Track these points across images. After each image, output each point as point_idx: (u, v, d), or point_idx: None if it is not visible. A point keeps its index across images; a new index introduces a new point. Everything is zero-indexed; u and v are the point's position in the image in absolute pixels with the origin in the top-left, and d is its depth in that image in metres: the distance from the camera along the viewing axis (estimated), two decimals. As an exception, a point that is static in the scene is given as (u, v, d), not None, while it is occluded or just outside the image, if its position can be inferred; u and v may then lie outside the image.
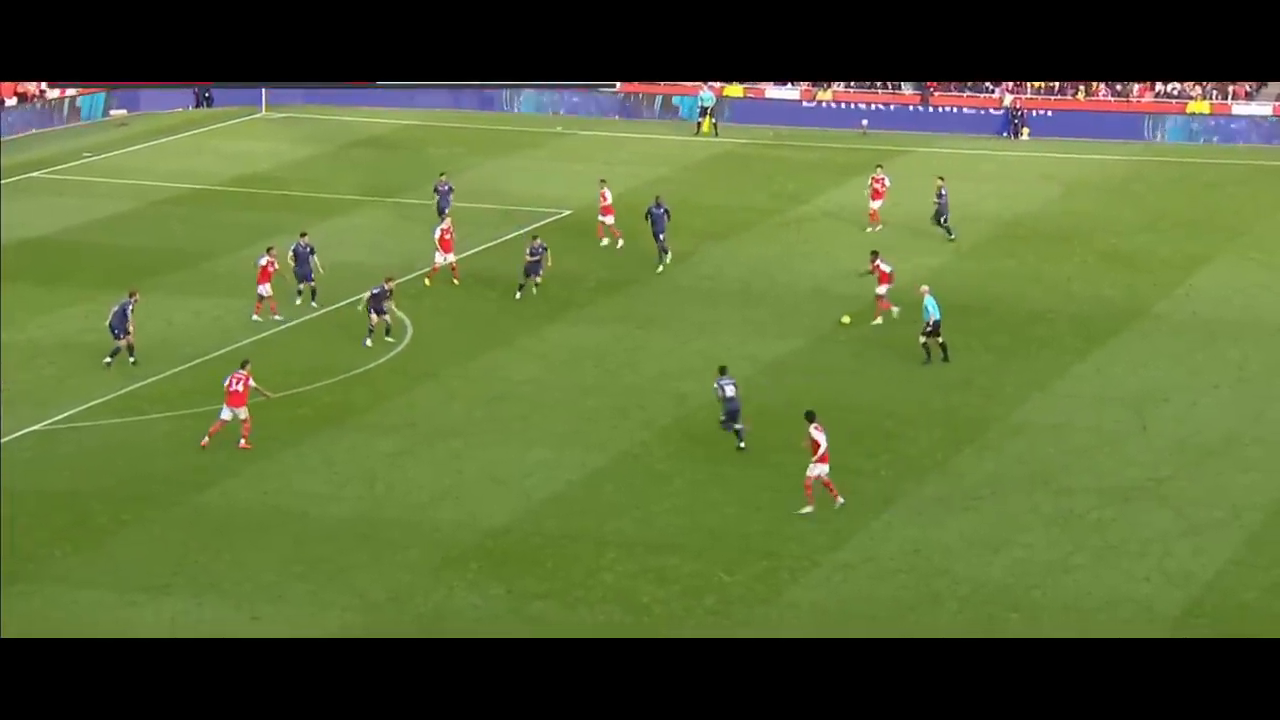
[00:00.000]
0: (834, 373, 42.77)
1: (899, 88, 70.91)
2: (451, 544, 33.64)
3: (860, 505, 35.00)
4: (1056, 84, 68.59)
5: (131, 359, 42.82)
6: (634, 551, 33.19)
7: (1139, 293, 48.77)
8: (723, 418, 37.70)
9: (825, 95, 71.23)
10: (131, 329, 42.71)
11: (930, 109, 70.44)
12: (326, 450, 38.07)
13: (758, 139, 68.54)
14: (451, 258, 49.48)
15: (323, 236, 54.05)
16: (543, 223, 54.86)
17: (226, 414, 37.65)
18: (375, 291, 44.41)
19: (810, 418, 34.69)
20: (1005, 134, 69.22)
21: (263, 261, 46.50)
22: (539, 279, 47.59)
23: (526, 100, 72.87)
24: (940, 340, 42.73)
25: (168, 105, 73.17)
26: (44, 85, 69.59)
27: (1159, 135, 68.52)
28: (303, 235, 48.13)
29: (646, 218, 50.82)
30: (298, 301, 46.94)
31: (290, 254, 47.19)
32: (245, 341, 44.85)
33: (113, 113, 72.64)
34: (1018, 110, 69.25)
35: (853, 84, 69.97)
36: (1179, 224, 56.05)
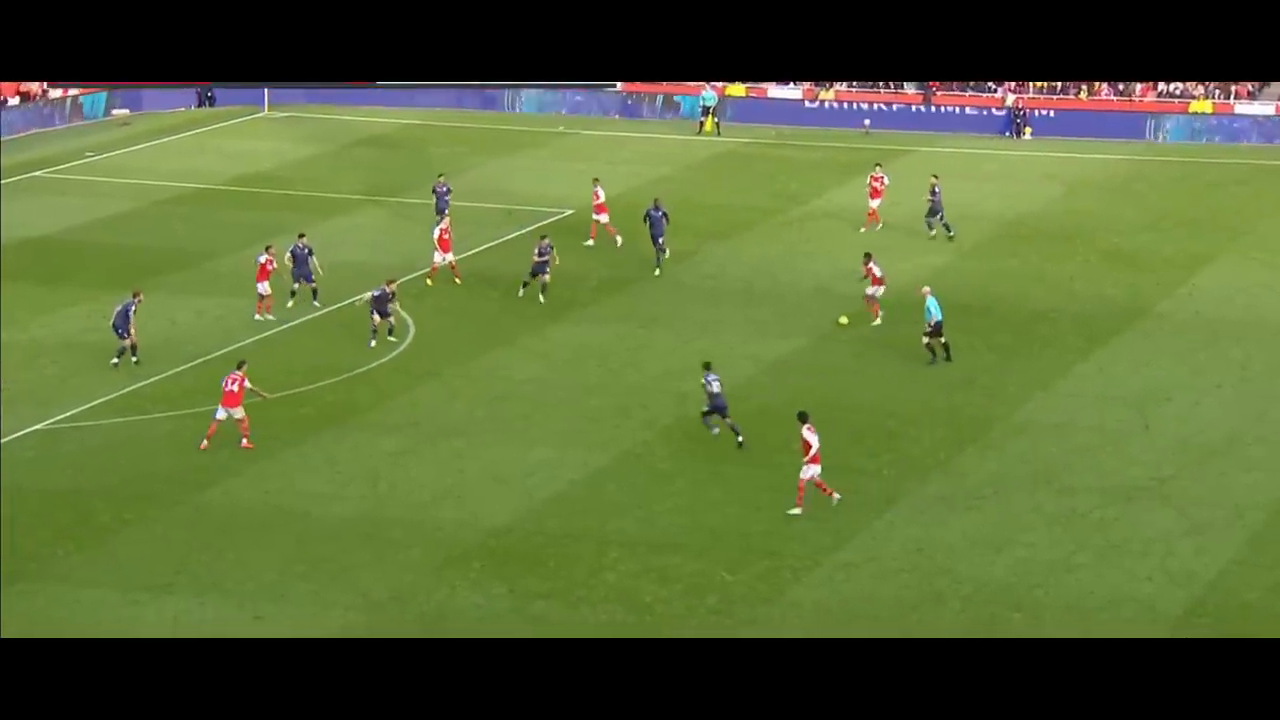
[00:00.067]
0: (836, 372, 42.76)
1: (901, 87, 70.89)
2: (454, 543, 33.65)
3: (863, 505, 34.99)
4: (1059, 83, 68.55)
5: (134, 358, 42.84)
6: (636, 551, 33.19)
7: (1141, 292, 48.75)
8: (706, 409, 37.69)
9: (828, 95, 71.22)
10: (134, 329, 42.72)
11: (933, 108, 70.40)
12: (329, 449, 38.08)
13: (760, 138, 68.52)
14: (450, 257, 49.47)
15: (325, 236, 54.08)
16: (545, 222, 54.84)
17: (221, 414, 37.69)
18: (377, 293, 44.38)
19: (803, 419, 34.66)
20: (1008, 133, 69.21)
21: (262, 259, 46.54)
22: (547, 278, 47.49)
23: (528, 100, 72.86)
24: (942, 340, 42.72)
25: (170, 105, 73.20)
26: (46, 85, 69.60)
27: (1161, 135, 68.49)
28: (301, 236, 48.10)
29: (645, 220, 50.75)
30: (290, 304, 46.85)
31: (288, 255, 47.16)
32: (247, 341, 44.88)
33: (115, 112, 72.67)
34: (1020, 110, 69.23)
35: (855, 84, 69.93)
36: (1182, 223, 56.03)
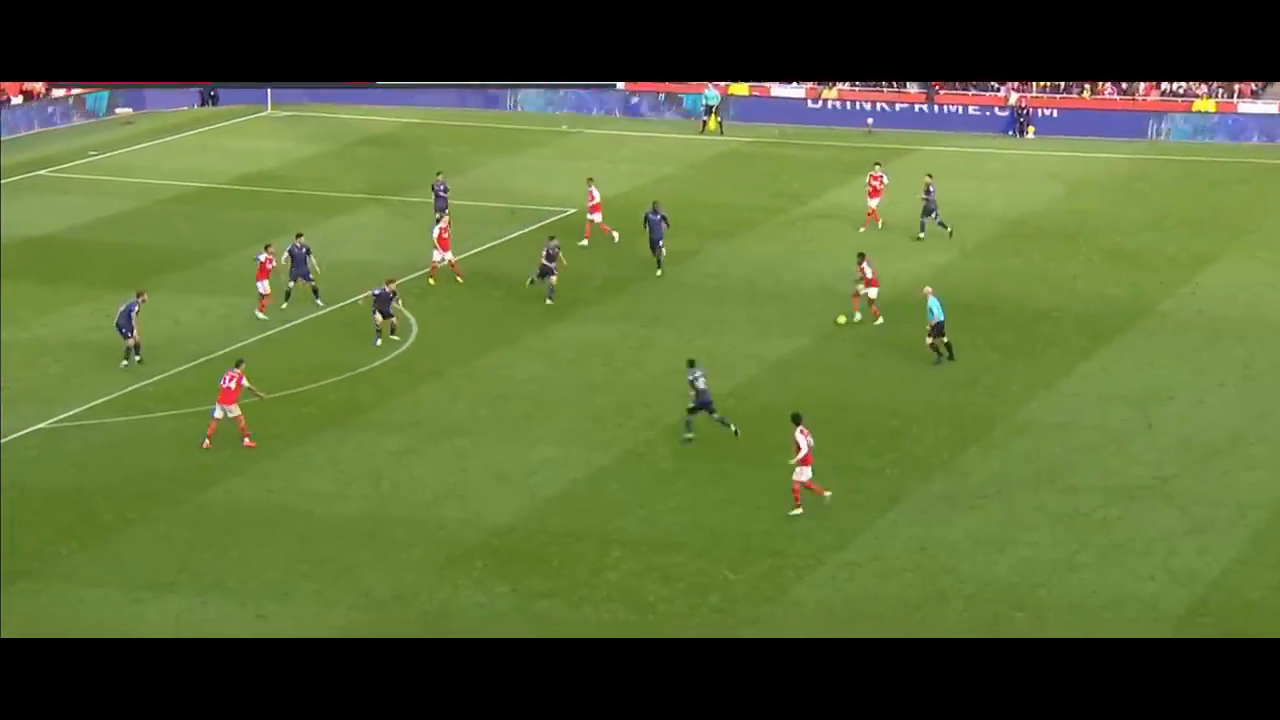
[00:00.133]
0: (839, 371, 42.76)
1: (904, 86, 70.85)
2: (456, 542, 33.65)
3: (866, 504, 34.99)
4: (1062, 83, 68.50)
5: (137, 357, 42.86)
6: (639, 550, 33.19)
7: (1144, 291, 48.73)
8: (691, 406, 37.69)
9: (830, 94, 71.19)
10: (136, 328, 42.74)
11: (935, 108, 70.38)
12: (332, 448, 38.09)
13: (763, 137, 68.51)
14: (450, 255, 49.46)
15: (328, 235, 54.12)
16: (548, 221, 54.83)
17: (218, 412, 37.74)
18: (377, 293, 44.37)
19: (796, 420, 34.64)
20: (1010, 133, 69.19)
21: (261, 258, 46.55)
22: (554, 280, 47.39)
23: (531, 99, 72.85)
24: (945, 340, 42.69)
25: (173, 104, 73.23)
26: (48, 84, 69.61)
27: (1164, 134, 68.46)
28: (298, 236, 48.02)
29: (645, 224, 50.67)
30: (284, 305, 46.80)
31: (285, 255, 47.10)
32: (250, 340, 44.90)
33: (118, 111, 72.69)
34: (1023, 109, 69.20)
35: (858, 83, 69.90)
36: (1184, 222, 56.00)
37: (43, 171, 63.43)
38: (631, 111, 72.84)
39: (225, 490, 35.99)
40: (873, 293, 45.53)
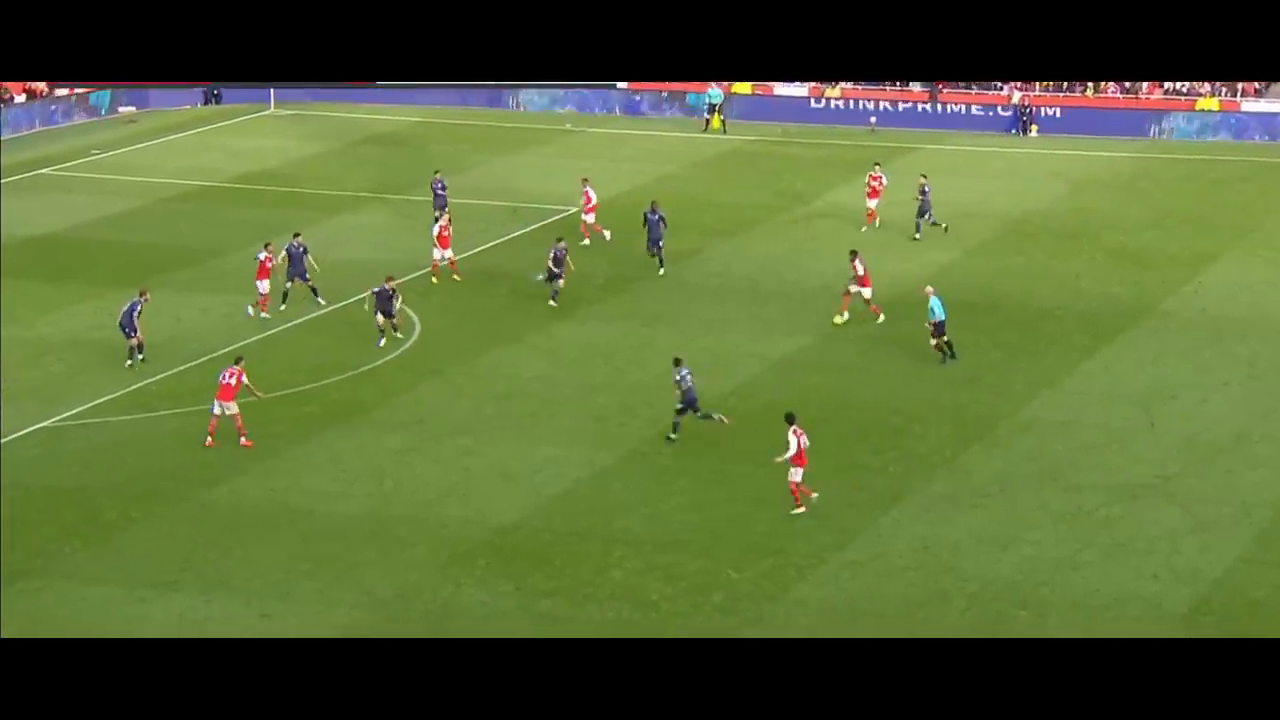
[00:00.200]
0: (842, 370, 42.75)
1: (907, 85, 70.81)
2: (460, 541, 33.66)
3: (868, 502, 34.99)
4: (1065, 82, 68.49)
5: (140, 356, 42.88)
6: (642, 549, 33.19)
7: (1147, 290, 48.72)
8: (679, 407, 37.70)
9: (833, 93, 71.18)
10: (139, 328, 42.75)
11: (938, 106, 70.35)
12: (334, 447, 38.09)
13: (766, 136, 68.51)
14: (449, 253, 49.45)
15: (331, 233, 54.17)
16: (551, 220, 54.81)
17: (217, 408, 37.77)
18: (378, 291, 44.32)
19: (790, 420, 34.63)
20: (1013, 131, 69.17)
21: (261, 256, 46.54)
22: (561, 283, 47.27)
23: (534, 97, 72.83)
24: (945, 339, 42.63)
25: (176, 102, 73.25)
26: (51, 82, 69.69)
27: (1167, 132, 68.43)
28: (296, 236, 47.95)
29: (644, 223, 50.59)
30: (283, 307, 46.77)
31: (283, 254, 47.05)
32: (253, 339, 44.91)
33: (121, 110, 72.72)
34: (1026, 108, 69.18)
35: (861, 82, 69.86)
36: (1187, 221, 55.98)
37: (45, 170, 63.46)
38: (634, 110, 72.83)
39: (228, 489, 36.01)
40: (867, 292, 45.47)
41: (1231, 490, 35.55)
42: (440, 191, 53.53)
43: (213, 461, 37.17)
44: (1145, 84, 69.07)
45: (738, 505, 34.89)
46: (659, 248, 50.13)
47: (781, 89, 71.33)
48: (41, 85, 70.33)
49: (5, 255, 52.10)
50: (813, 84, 70.90)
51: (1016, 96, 69.67)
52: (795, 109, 70.96)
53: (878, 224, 54.12)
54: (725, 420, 37.61)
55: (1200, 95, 69.10)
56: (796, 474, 34.25)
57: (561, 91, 71.27)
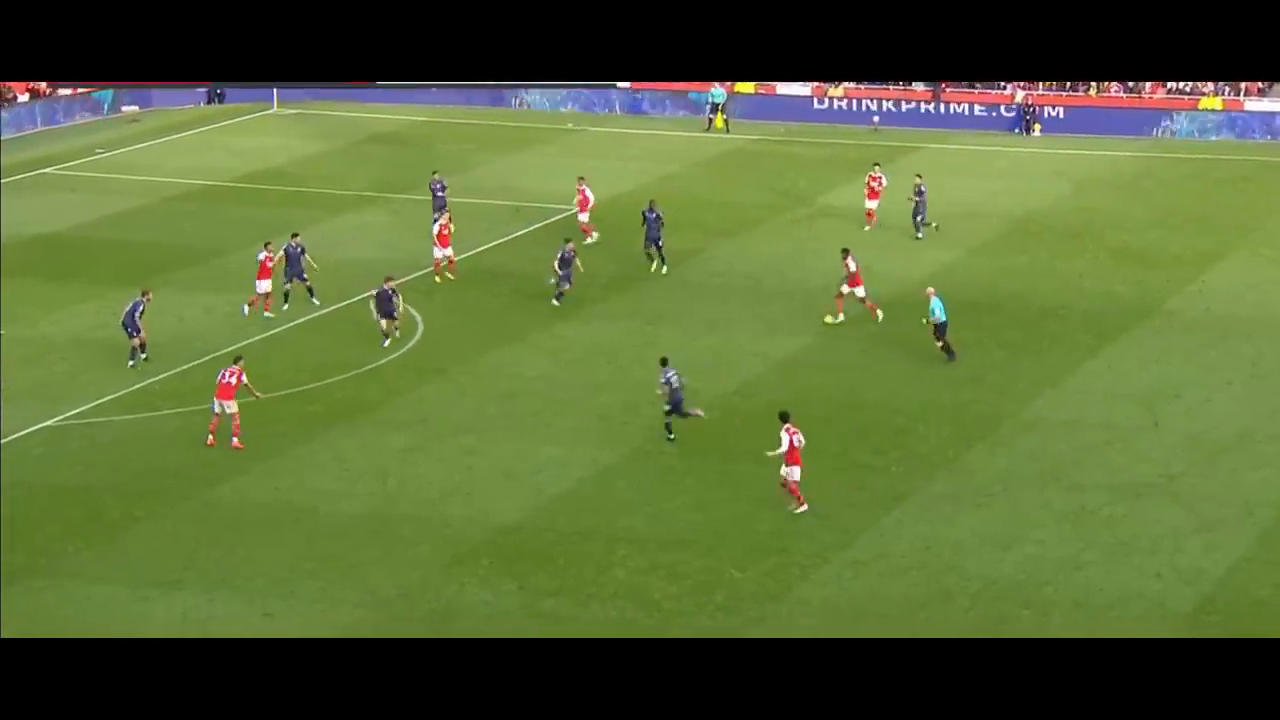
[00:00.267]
0: (845, 369, 42.74)
1: (910, 85, 70.78)
2: (463, 540, 33.66)
3: (871, 502, 34.99)
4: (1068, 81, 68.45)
5: (143, 355, 42.90)
6: (645, 548, 33.19)
7: (1151, 289, 48.69)
8: (667, 408, 37.70)
9: (836, 92, 71.16)
10: (142, 327, 42.76)
11: (942, 106, 70.32)
12: (338, 446, 38.10)
13: (769, 135, 68.50)
14: (449, 252, 49.43)
15: (334, 233, 54.18)
16: (553, 220, 54.80)
17: (217, 407, 37.77)
18: (378, 293, 44.27)
19: (784, 418, 34.61)
20: (1017, 131, 69.14)
21: (261, 257, 46.53)
22: (568, 286, 47.19)
23: (537, 97, 72.82)
24: (942, 343, 42.46)
25: (179, 102, 73.26)
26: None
27: (1170, 132, 68.39)
28: (294, 236, 47.90)
29: (642, 222, 50.54)
30: (286, 306, 46.77)
31: (281, 254, 47.02)
32: (256, 338, 44.93)
33: (124, 109, 72.73)
34: (1029, 107, 69.15)
35: (864, 82, 69.83)
36: (1191, 220, 55.96)
37: (49, 169, 63.48)
38: (636, 109, 72.82)
39: (232, 488, 36.02)
40: (859, 291, 45.41)
41: (1235, 490, 35.53)
42: (439, 193, 53.45)
43: (216, 460, 37.19)
44: (1148, 84, 69.02)
45: (741, 505, 34.89)
46: (658, 246, 50.09)
47: (784, 88, 71.30)
48: (44, 84, 70.34)
49: (9, 254, 52.13)
50: (816, 84, 70.87)
51: (1020, 96, 69.64)
52: (798, 108, 70.94)
53: (876, 224, 54.06)
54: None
55: (1203, 95, 69.06)
56: (794, 472, 34.23)
57: (567, 91, 71.25)
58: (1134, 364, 43.02)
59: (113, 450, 38.15)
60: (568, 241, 48.45)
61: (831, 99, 71.14)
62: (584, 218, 52.80)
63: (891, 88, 70.86)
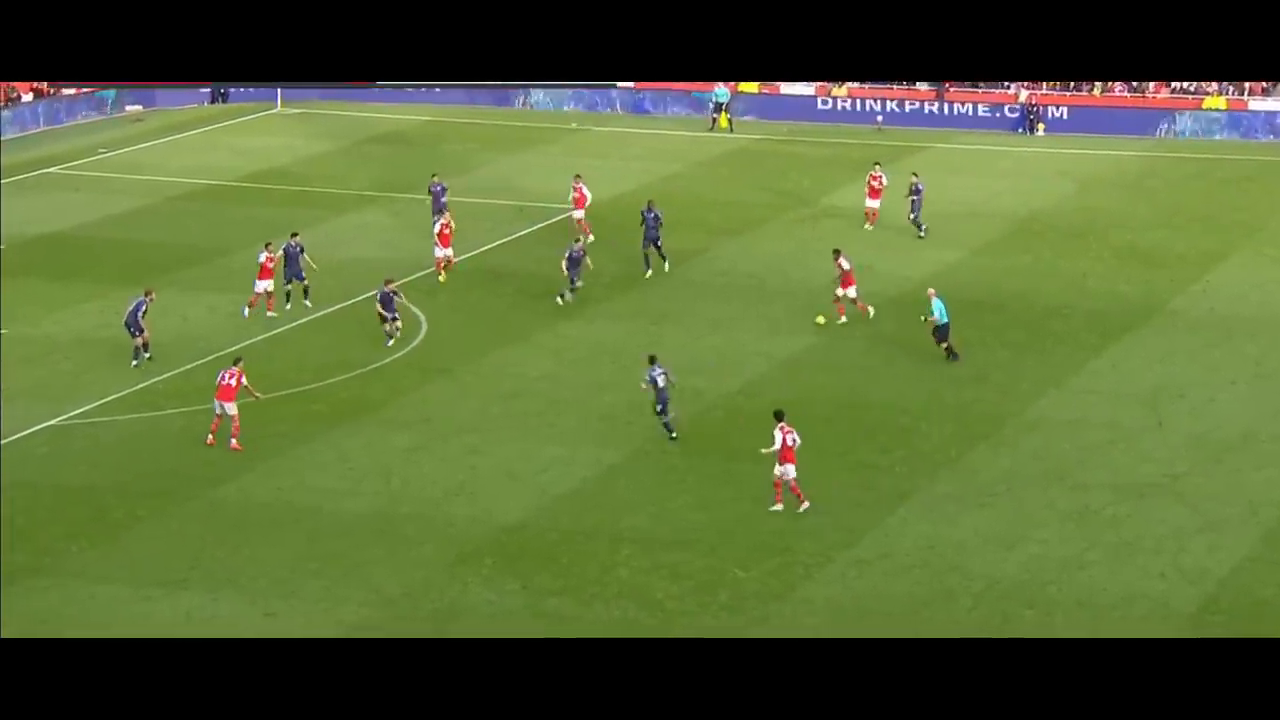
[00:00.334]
0: (848, 369, 42.72)
1: (914, 85, 70.74)
2: (466, 540, 33.67)
3: (875, 501, 34.98)
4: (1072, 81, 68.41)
5: (147, 355, 42.91)
6: (648, 547, 33.19)
7: (1155, 289, 48.66)
8: (658, 408, 37.69)
9: (840, 92, 71.14)
10: (145, 327, 42.77)
11: (945, 106, 70.29)
12: (341, 446, 38.11)
13: (772, 135, 68.48)
14: (449, 252, 49.41)
15: (337, 232, 54.19)
16: (556, 219, 54.80)
17: (218, 408, 37.76)
18: (381, 295, 44.22)
19: (779, 417, 34.59)
20: (1021, 130, 69.11)
21: (262, 258, 46.52)
22: (580, 284, 47.14)
23: (540, 96, 72.81)
24: (945, 345, 42.38)
25: (183, 101, 73.28)
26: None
27: (1174, 131, 68.35)
28: (293, 236, 47.86)
29: (641, 222, 50.48)
30: (288, 306, 46.78)
31: (280, 253, 47.01)
32: (260, 337, 44.95)
33: (128, 108, 72.75)
34: (1033, 106, 69.13)
35: (868, 82, 69.80)
36: (1195, 220, 55.92)
37: (52, 169, 63.50)
38: (641, 109, 72.81)
39: (235, 487, 36.03)
40: (851, 291, 45.38)
41: (1239, 489, 35.51)
42: (440, 195, 53.22)
43: (219, 460, 37.19)
44: (1152, 83, 68.97)
45: (744, 504, 34.88)
46: (657, 247, 50.04)
47: (788, 88, 71.28)
48: (48, 84, 70.37)
49: (13, 254, 52.16)
50: (819, 83, 70.84)
51: (1023, 96, 69.61)
52: (802, 108, 70.92)
53: (878, 223, 54.03)
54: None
55: (1207, 94, 69.03)
56: (789, 471, 34.20)
57: (571, 90, 71.21)
58: (1138, 364, 43.00)
59: (116, 450, 38.16)
60: (576, 241, 48.44)
61: (835, 99, 71.13)
62: (579, 214, 52.77)
63: (895, 87, 70.83)
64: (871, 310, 45.33)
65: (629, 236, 52.15)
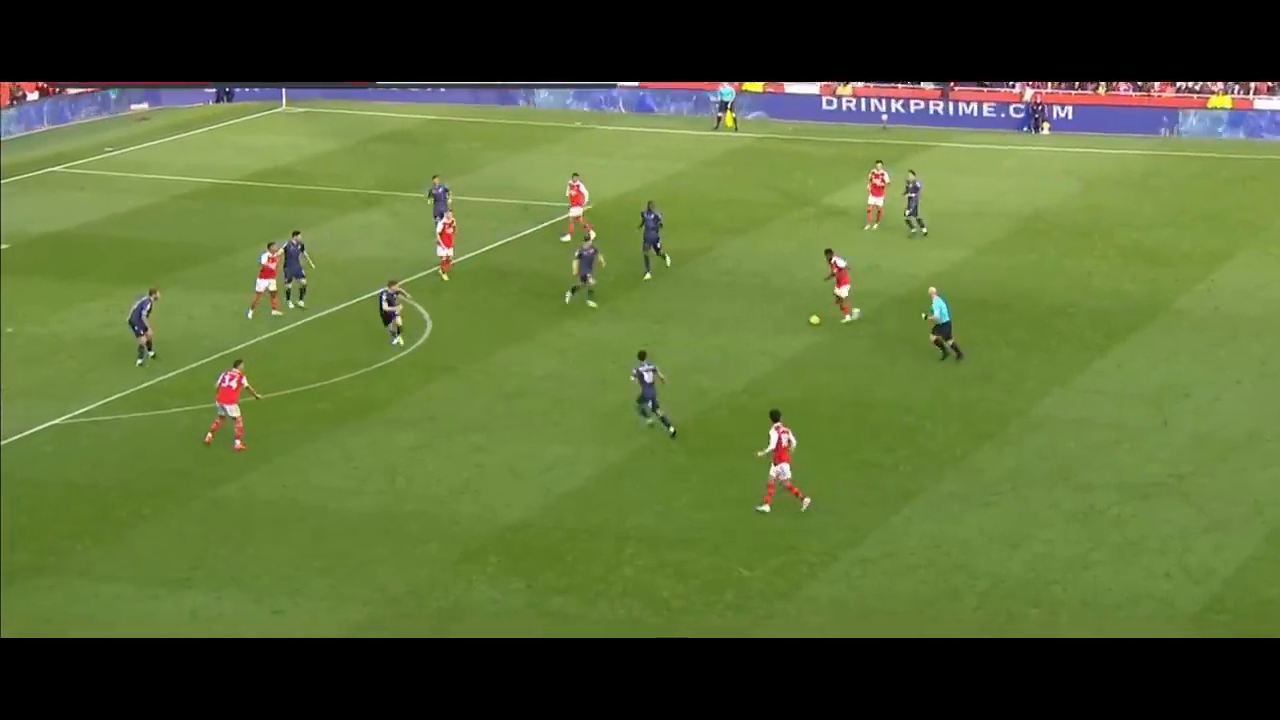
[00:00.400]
0: (853, 368, 42.71)
1: (919, 84, 70.72)
2: (471, 538, 33.67)
3: (880, 500, 34.97)
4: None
5: (151, 354, 42.94)
6: (653, 546, 33.19)
7: (1160, 288, 48.63)
8: (639, 399, 37.66)
9: (845, 91, 71.12)
10: (149, 326, 42.79)
11: (950, 105, 70.26)
12: (346, 444, 38.12)
13: (777, 134, 68.48)
14: (449, 252, 49.39)
15: (342, 231, 54.21)
16: (561, 218, 54.78)
17: (219, 410, 37.75)
18: (386, 295, 44.18)
19: (775, 416, 34.55)
20: (1026, 129, 69.09)
21: (263, 258, 46.52)
22: (593, 282, 47.09)
23: (545, 95, 72.82)
24: (940, 342, 42.37)
25: (188, 100, 73.33)
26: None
27: (1179, 130, 68.32)
28: (295, 234, 47.85)
29: (641, 222, 50.44)
30: (291, 305, 46.80)
31: (281, 251, 47.02)
32: (264, 336, 44.97)
33: (133, 107, 72.79)
34: (1038, 105, 69.11)
35: (873, 81, 69.81)
36: (1200, 219, 55.89)
37: (57, 168, 63.55)
38: (645, 108, 72.81)
39: (240, 486, 36.05)
40: (844, 291, 45.34)
41: (1244, 489, 35.48)
42: (441, 196, 53.09)
43: (224, 459, 37.21)
44: (1157, 82, 68.92)
45: (749, 503, 34.85)
46: (656, 248, 49.98)
47: (793, 87, 71.26)
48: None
49: (18, 253, 52.21)
50: (824, 83, 70.84)
51: (1029, 95, 69.59)
52: (807, 107, 70.91)
53: (881, 221, 54.00)
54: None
55: (1212, 93, 68.99)
56: (784, 470, 34.17)
57: (571, 90, 71.21)
58: (1143, 363, 42.97)
59: (121, 448, 38.19)
60: (586, 240, 48.43)
61: (840, 98, 71.11)
62: (576, 212, 52.76)
63: (900, 87, 70.81)
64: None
65: (633, 235, 52.12)
